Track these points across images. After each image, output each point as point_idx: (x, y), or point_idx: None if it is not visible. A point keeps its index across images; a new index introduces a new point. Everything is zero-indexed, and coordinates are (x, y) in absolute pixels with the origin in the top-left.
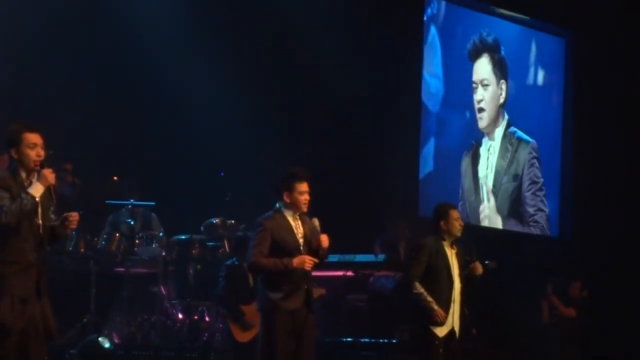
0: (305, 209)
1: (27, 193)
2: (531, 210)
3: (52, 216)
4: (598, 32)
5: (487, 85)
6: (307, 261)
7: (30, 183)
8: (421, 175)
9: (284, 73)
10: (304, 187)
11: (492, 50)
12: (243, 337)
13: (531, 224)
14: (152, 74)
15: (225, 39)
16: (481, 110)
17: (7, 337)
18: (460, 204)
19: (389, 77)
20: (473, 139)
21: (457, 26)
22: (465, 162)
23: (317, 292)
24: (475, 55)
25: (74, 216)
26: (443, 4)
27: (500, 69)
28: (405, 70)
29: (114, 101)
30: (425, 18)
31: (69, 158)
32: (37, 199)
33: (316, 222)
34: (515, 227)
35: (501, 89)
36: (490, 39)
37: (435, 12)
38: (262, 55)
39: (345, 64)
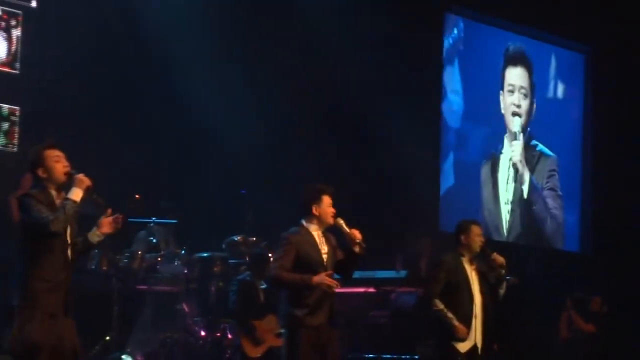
0: (332, 222)
1: (68, 198)
2: (548, 219)
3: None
4: (617, 48)
5: (525, 95)
6: (327, 281)
7: (61, 200)
8: (442, 190)
9: (305, 92)
10: (330, 200)
11: (525, 60)
12: (254, 352)
13: (548, 235)
14: (176, 90)
15: (249, 61)
16: (516, 114)
17: (37, 354)
18: (480, 213)
19: (409, 93)
20: (493, 149)
21: (476, 42)
22: (485, 171)
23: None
24: (511, 62)
25: (112, 219)
26: (461, 20)
27: (526, 79)
28: (425, 87)
29: (136, 119)
30: (444, 35)
31: (90, 175)
32: (78, 202)
33: (340, 220)
34: (532, 238)
35: (532, 102)
36: (516, 50)
37: (454, 29)
38: (284, 75)
39: (366, 81)
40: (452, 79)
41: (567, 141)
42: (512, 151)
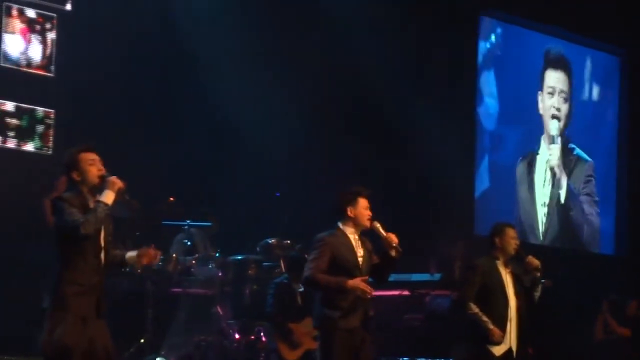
0: (368, 224)
1: (100, 201)
2: (584, 225)
3: (115, 251)
4: None
5: (565, 98)
6: (362, 287)
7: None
8: (477, 192)
9: (340, 94)
10: (366, 202)
11: (566, 65)
12: (291, 355)
13: (584, 239)
14: (208, 95)
15: (285, 62)
16: (555, 117)
17: (69, 357)
18: (516, 215)
19: (444, 96)
20: (529, 149)
21: (512, 44)
22: (521, 171)
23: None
24: (552, 65)
25: (153, 254)
26: (498, 25)
27: (563, 82)
28: (460, 90)
29: (172, 121)
30: (479, 38)
31: (123, 178)
32: (109, 205)
33: (377, 224)
34: (568, 242)
35: (571, 106)
36: (553, 53)
37: (491, 34)
38: (321, 77)
39: (400, 84)
40: (488, 82)
41: (602, 144)
42: (549, 155)
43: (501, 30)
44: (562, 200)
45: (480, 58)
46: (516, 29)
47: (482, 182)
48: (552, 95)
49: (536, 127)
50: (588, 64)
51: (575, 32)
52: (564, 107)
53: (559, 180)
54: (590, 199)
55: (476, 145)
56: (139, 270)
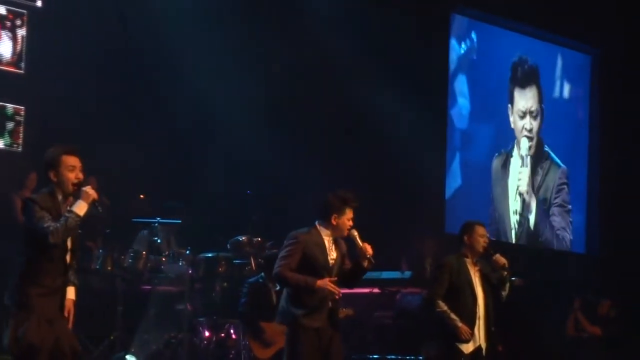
0: (346, 234)
1: (72, 211)
2: (557, 231)
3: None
4: (625, 49)
5: (536, 116)
6: (330, 288)
7: (68, 205)
8: (448, 191)
9: (313, 93)
10: (352, 213)
11: (536, 76)
12: (263, 354)
13: (555, 249)
14: (183, 90)
15: (257, 59)
16: (529, 138)
17: (35, 356)
18: (490, 213)
19: (415, 95)
20: (502, 148)
21: (482, 42)
22: (496, 167)
23: (344, 312)
24: (520, 83)
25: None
26: (466, 20)
27: (532, 81)
28: (431, 89)
29: (142, 118)
30: (451, 36)
31: (95, 174)
32: (81, 217)
33: (354, 232)
34: (535, 238)
35: (532, 98)
36: (531, 64)
37: (460, 29)
38: (293, 76)
39: (372, 82)
40: (460, 83)
41: (574, 142)
42: (519, 178)
43: (475, 34)
44: (532, 226)
45: (453, 61)
46: (489, 29)
47: (455, 180)
48: (524, 117)
49: (509, 126)
50: (559, 62)
51: (547, 31)
52: (535, 125)
53: (529, 205)
54: (563, 210)
55: (447, 143)
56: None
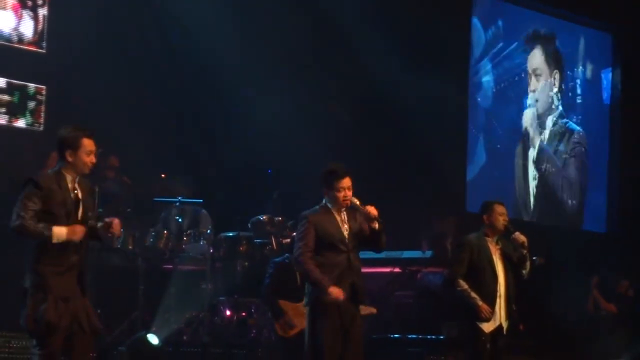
0: (345, 205)
1: (51, 231)
2: (570, 199)
3: (91, 221)
4: None
5: (539, 75)
6: (335, 295)
7: (75, 189)
8: (469, 170)
9: (332, 69)
10: (343, 183)
11: (546, 41)
12: (287, 333)
13: (569, 213)
14: (203, 71)
15: (280, 42)
16: (535, 99)
17: (53, 334)
18: (512, 192)
19: (438, 75)
20: (522, 129)
21: (504, 22)
22: (518, 150)
23: (367, 309)
24: (529, 47)
25: (115, 224)
26: (488, 1)
27: (555, 60)
28: (453, 69)
29: (163, 98)
30: (473, 16)
31: (117, 154)
32: (51, 240)
33: (355, 200)
34: (554, 216)
35: (555, 78)
36: (544, 31)
37: (482, 8)
38: (311, 52)
39: (394, 63)
40: (484, 64)
41: (596, 122)
42: (542, 127)
43: (494, 7)
44: (549, 169)
45: (479, 44)
46: (510, 7)
47: (480, 158)
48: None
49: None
50: (582, 42)
51: (568, 10)
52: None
53: (548, 150)
54: (578, 162)
55: (469, 123)
56: (118, 245)
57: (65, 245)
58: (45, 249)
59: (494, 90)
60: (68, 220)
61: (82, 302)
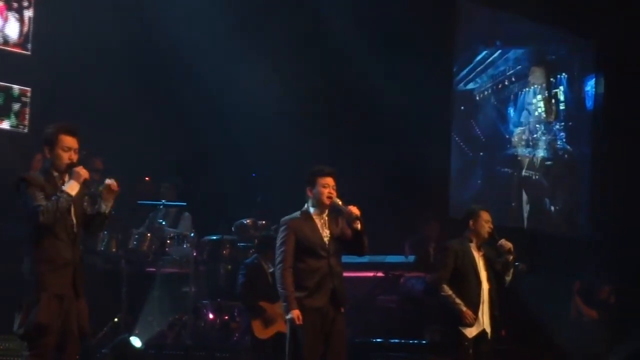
0: (327, 202)
1: (63, 191)
2: (553, 205)
3: (88, 209)
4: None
5: (523, 82)
6: (294, 318)
7: (64, 182)
8: (453, 176)
9: (314, 72)
10: (326, 181)
11: (529, 48)
12: (264, 333)
13: (553, 219)
14: (187, 74)
15: (264, 43)
16: (519, 106)
17: (45, 335)
18: (492, 193)
19: (421, 77)
20: (506, 135)
21: (488, 29)
22: (501, 157)
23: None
24: (512, 54)
25: (113, 183)
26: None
27: (538, 67)
28: (437, 69)
29: (147, 100)
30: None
31: (100, 156)
32: (73, 196)
33: (337, 200)
34: (537, 222)
35: (538, 85)
36: (526, 38)
37: (466, 16)
38: (295, 56)
39: (374, 65)
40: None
41: (579, 128)
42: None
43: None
44: (518, 164)
45: (462, 56)
46: (493, 15)
47: (463, 164)
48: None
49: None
50: (564, 49)
51: (550, 17)
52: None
53: (516, 146)
54: (562, 168)
55: (452, 130)
56: (108, 210)
57: (59, 240)
58: (39, 248)
59: (477, 97)
60: (63, 221)
61: (77, 304)
